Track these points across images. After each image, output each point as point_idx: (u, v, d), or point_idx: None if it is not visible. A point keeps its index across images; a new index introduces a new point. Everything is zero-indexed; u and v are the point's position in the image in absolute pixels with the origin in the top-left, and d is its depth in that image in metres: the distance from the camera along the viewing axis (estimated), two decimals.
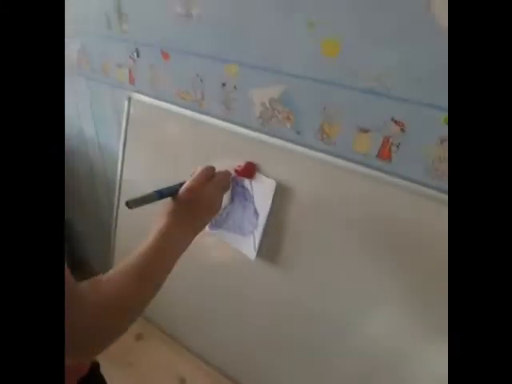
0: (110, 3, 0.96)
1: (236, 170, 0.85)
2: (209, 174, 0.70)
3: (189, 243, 0.65)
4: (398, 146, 0.68)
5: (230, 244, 0.92)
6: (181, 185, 0.68)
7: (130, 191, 1.14)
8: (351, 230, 0.77)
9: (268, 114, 0.81)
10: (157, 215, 0.65)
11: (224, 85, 0.85)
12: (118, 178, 1.16)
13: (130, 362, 1.20)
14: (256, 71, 0.79)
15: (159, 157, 1.05)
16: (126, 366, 1.19)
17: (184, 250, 0.63)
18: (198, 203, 0.67)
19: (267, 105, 0.80)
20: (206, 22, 0.82)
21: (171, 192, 0.67)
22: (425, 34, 0.58)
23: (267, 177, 0.82)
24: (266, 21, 0.73)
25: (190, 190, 0.67)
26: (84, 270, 1.63)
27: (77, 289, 0.49)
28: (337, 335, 0.86)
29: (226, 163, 0.88)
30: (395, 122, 0.67)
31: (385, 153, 0.70)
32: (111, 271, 0.56)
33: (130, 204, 0.62)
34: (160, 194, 0.66)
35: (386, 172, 0.70)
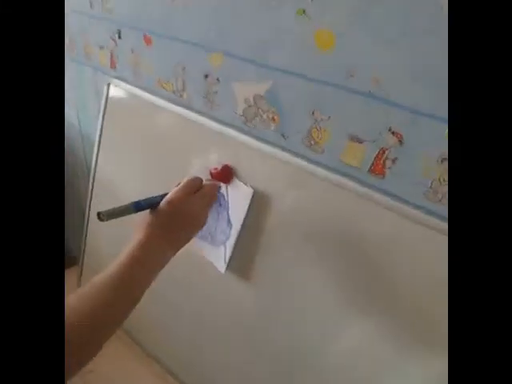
0: None
1: (211, 173, 0.76)
2: (194, 186, 0.65)
3: (169, 258, 0.60)
4: (393, 161, 0.59)
5: (202, 253, 0.82)
6: (162, 197, 0.62)
7: (104, 179, 1.05)
8: (330, 247, 0.67)
9: (251, 112, 0.72)
10: (136, 225, 0.60)
11: (206, 76, 0.76)
12: (93, 166, 1.07)
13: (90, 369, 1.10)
14: (241, 63, 0.69)
15: (135, 146, 0.96)
16: (87, 373, 1.10)
17: (164, 265, 0.59)
18: (180, 216, 0.61)
19: (251, 101, 0.71)
20: (191, 6, 0.73)
21: (151, 204, 0.61)
22: (435, 33, 0.49)
23: (245, 183, 0.73)
24: (255, 7, 0.64)
25: (171, 202, 0.61)
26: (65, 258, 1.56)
27: None
28: (310, 353, 0.76)
29: (201, 163, 0.79)
30: (392, 132, 0.57)
31: (378, 167, 0.61)
32: (85, 287, 0.53)
33: (102, 216, 0.56)
34: (137, 206, 0.60)
35: (377, 190, 0.61)
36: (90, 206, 1.12)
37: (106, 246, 1.12)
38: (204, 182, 0.67)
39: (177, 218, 0.61)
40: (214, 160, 0.77)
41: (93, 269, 1.20)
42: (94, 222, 1.14)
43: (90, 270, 1.22)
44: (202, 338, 0.95)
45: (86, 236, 1.17)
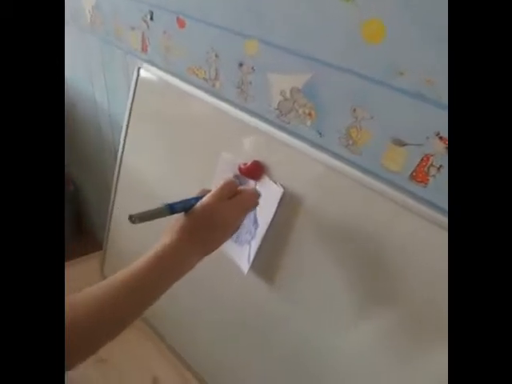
0: None
1: (240, 168, 0.72)
2: (230, 191, 0.62)
3: (195, 263, 0.59)
4: (438, 169, 0.53)
5: (224, 250, 0.79)
6: (196, 200, 0.61)
7: (131, 164, 1.03)
8: (361, 254, 0.63)
9: (287, 105, 0.67)
10: (167, 226, 0.60)
11: (241, 65, 0.72)
12: (120, 152, 1.05)
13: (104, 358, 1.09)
14: (279, 52, 0.65)
15: (163, 134, 0.93)
16: (99, 362, 1.08)
17: (188, 270, 0.58)
18: (212, 222, 0.60)
19: (287, 94, 0.66)
20: None
21: (184, 207, 0.60)
22: None
23: (275, 181, 0.69)
24: None
25: (205, 207, 0.59)
26: (89, 240, 1.59)
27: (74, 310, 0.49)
28: (327, 365, 0.73)
29: (229, 157, 0.76)
30: (440, 137, 0.52)
31: (421, 174, 0.56)
32: (106, 280, 0.54)
33: (134, 219, 0.55)
34: (171, 209, 0.59)
35: (417, 199, 0.56)
36: (116, 191, 1.10)
37: (130, 234, 1.10)
38: (242, 187, 0.66)
39: (209, 223, 0.59)
40: (244, 154, 0.73)
41: (117, 255, 1.19)
42: (118, 208, 1.12)
43: (113, 257, 1.21)
44: (220, 334, 0.92)
45: (110, 221, 1.15)
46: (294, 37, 0.62)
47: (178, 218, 0.60)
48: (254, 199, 0.67)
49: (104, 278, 1.23)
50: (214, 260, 0.65)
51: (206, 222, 0.59)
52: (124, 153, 1.03)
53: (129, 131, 1.01)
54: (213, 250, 0.61)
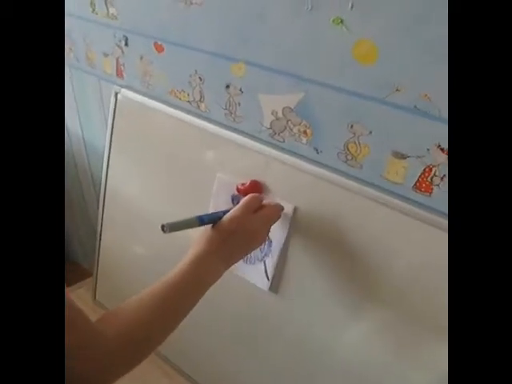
0: None
1: (238, 189, 0.72)
2: (254, 205, 0.65)
3: (222, 274, 0.61)
4: (442, 178, 0.55)
5: (236, 273, 0.79)
6: (224, 213, 0.64)
7: (116, 191, 1.01)
8: (371, 265, 0.64)
9: (280, 124, 0.68)
10: (197, 238, 0.62)
11: (228, 86, 0.71)
12: (104, 177, 1.02)
13: None
14: (268, 73, 0.65)
15: (147, 158, 0.91)
16: None
17: (215, 281, 0.60)
18: (238, 234, 0.62)
19: (280, 114, 0.67)
20: (209, 10, 0.68)
21: (213, 219, 0.63)
22: None
23: (283, 199, 0.69)
24: (282, 13, 0.59)
25: (232, 219, 0.62)
26: (74, 269, 1.52)
27: (92, 327, 0.49)
28: (325, 366, 0.74)
29: (225, 178, 0.75)
30: (442, 149, 0.53)
31: (424, 184, 0.57)
32: (133, 298, 0.55)
33: (166, 228, 0.58)
34: (200, 220, 0.62)
35: (423, 207, 0.57)
36: (102, 218, 1.07)
37: (120, 260, 1.08)
38: (266, 202, 0.68)
39: (236, 235, 0.62)
40: (238, 174, 0.73)
41: (108, 281, 1.16)
42: (107, 232, 1.10)
43: (104, 283, 1.19)
44: (217, 341, 0.92)
45: (99, 249, 1.13)
46: (283, 58, 0.62)
47: (205, 230, 0.63)
48: (277, 212, 0.68)
49: (97, 304, 1.21)
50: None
51: (232, 234, 0.62)
52: (108, 180, 1.01)
53: (110, 158, 0.98)
54: (237, 260, 0.64)
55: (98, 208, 1.08)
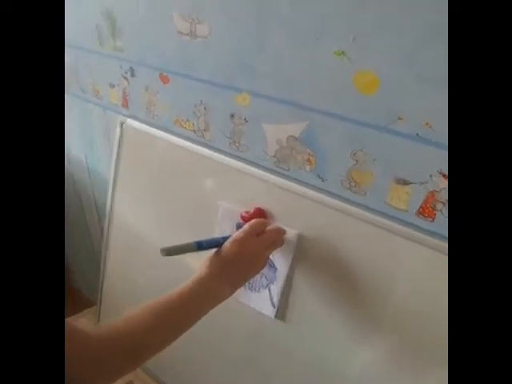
0: (100, 17, 0.84)
1: (242, 217, 0.73)
2: (258, 228, 0.67)
3: (226, 297, 0.63)
4: (444, 204, 0.56)
5: (241, 301, 0.79)
6: (224, 239, 0.65)
7: (120, 219, 1.02)
8: (376, 291, 0.64)
9: (285, 153, 0.69)
10: (202, 261, 0.64)
11: (232, 116, 0.73)
12: (109, 206, 1.03)
13: None
14: (273, 103, 0.67)
15: (153, 188, 0.92)
16: None
17: (218, 303, 0.62)
18: (241, 257, 0.64)
19: (284, 143, 0.68)
20: (213, 42, 0.70)
21: (212, 244, 0.65)
22: None
23: (287, 226, 0.70)
24: (285, 44, 0.61)
25: (235, 242, 0.64)
26: (77, 299, 1.52)
27: (78, 327, 0.51)
28: None
29: (228, 206, 0.76)
30: (444, 175, 0.55)
31: (427, 210, 0.58)
32: (136, 308, 0.57)
33: (165, 252, 0.59)
34: (199, 246, 0.63)
35: (427, 233, 0.58)
36: (107, 247, 1.07)
37: (124, 289, 1.08)
38: (270, 227, 0.69)
39: (238, 258, 0.63)
40: (242, 202, 0.74)
41: (112, 310, 1.16)
42: (110, 261, 1.10)
43: (108, 312, 1.18)
44: (222, 367, 0.91)
45: (103, 278, 1.13)
46: (286, 88, 0.64)
47: (209, 255, 0.64)
48: (279, 236, 0.69)
49: None
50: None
51: (235, 257, 0.63)
52: (112, 208, 1.02)
53: (116, 187, 0.99)
54: (242, 284, 0.66)
55: (101, 236, 1.08)
